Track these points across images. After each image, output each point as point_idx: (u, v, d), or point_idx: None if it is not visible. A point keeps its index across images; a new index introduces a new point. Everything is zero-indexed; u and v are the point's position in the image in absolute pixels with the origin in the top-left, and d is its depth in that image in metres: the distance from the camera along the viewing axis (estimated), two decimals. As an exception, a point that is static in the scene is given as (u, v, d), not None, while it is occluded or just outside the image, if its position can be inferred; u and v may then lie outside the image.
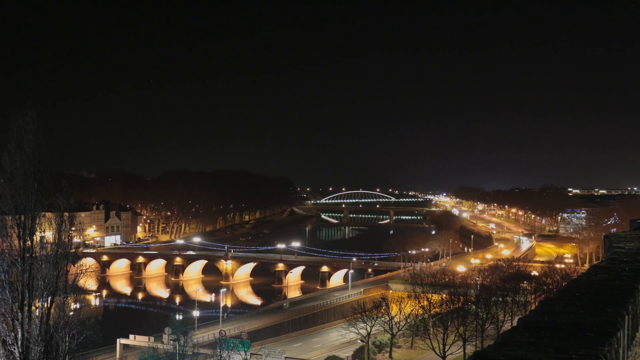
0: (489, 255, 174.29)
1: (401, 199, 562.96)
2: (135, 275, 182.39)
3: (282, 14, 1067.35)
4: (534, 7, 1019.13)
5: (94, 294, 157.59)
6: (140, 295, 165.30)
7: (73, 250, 44.36)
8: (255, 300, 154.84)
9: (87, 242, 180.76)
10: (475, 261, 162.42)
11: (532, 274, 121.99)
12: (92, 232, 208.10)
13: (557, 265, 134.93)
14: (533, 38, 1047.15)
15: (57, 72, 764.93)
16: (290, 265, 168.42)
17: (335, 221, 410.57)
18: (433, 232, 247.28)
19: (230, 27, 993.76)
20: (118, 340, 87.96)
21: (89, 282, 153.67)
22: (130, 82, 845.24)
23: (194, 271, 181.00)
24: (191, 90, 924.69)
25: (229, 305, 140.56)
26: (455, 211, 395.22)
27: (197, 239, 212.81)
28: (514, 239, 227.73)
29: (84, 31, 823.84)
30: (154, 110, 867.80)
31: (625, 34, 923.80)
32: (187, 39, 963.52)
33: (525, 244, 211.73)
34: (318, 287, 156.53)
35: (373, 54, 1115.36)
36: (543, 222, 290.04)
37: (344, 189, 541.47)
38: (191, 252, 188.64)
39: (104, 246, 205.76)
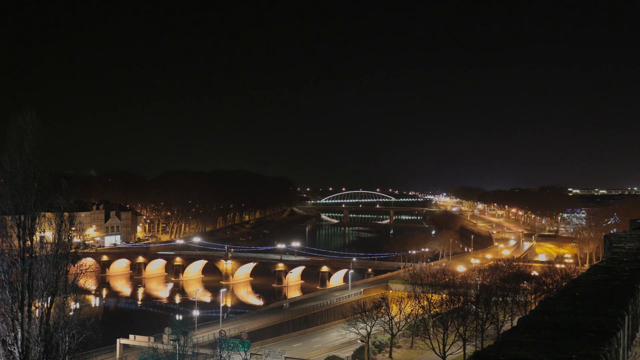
0: (489, 255, 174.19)
1: (401, 199, 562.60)
2: (135, 275, 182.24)
3: (283, 14, 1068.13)
4: (535, 17, 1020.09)
5: (94, 294, 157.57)
6: (140, 295, 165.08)
7: (73, 250, 44.35)
8: (255, 300, 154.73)
9: (87, 242, 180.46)
10: (475, 261, 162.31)
11: (532, 274, 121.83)
12: (92, 232, 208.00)
13: (557, 265, 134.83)
14: (533, 39, 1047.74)
15: (57, 72, 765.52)
16: (290, 265, 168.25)
17: (335, 221, 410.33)
18: (433, 232, 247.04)
19: (231, 27, 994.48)
20: (118, 340, 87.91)
21: (89, 282, 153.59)
22: (130, 82, 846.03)
23: (194, 271, 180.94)
24: (191, 90, 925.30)
25: (229, 305, 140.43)
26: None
27: (197, 239, 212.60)
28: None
29: (85, 31, 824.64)
30: (155, 110, 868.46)
31: (624, 39, 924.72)
32: (188, 38, 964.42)
33: (526, 245, 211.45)
34: (318, 287, 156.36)
35: (373, 55, 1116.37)
36: (543, 222, 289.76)
37: (344, 189, 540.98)
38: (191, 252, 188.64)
39: (104, 246, 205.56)
